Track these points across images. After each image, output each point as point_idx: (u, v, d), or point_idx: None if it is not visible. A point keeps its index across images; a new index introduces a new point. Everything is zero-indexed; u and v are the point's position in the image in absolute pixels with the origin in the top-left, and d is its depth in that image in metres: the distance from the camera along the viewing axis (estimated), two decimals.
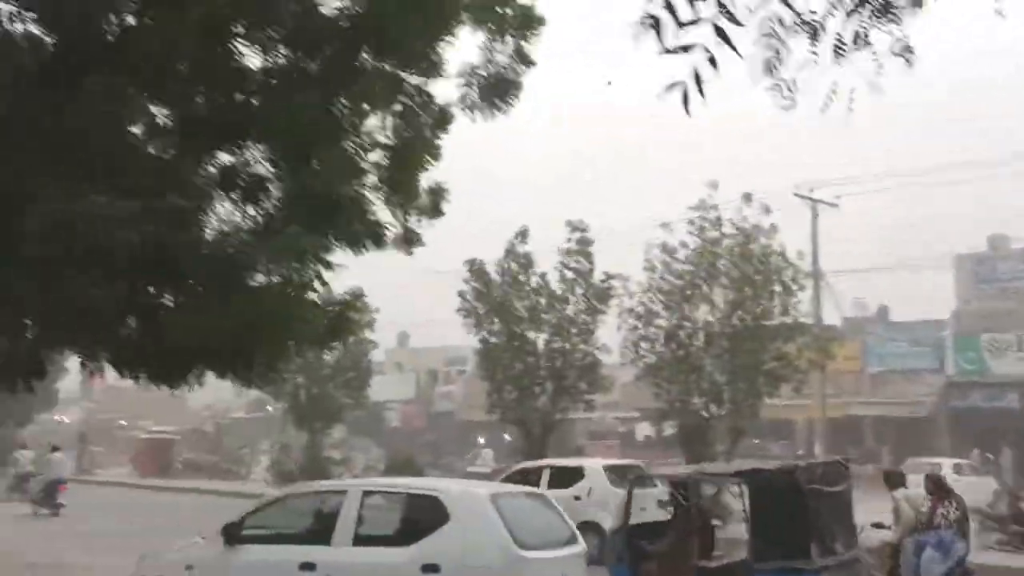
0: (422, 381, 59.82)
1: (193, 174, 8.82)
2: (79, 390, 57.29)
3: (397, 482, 10.79)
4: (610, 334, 27.32)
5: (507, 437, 40.47)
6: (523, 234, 27.82)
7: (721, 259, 24.88)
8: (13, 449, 33.55)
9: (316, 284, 8.60)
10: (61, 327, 7.79)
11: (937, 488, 11.63)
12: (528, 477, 17.68)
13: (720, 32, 3.64)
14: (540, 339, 27.62)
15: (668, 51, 3.64)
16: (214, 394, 47.41)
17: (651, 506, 14.62)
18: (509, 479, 18.05)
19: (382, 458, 42.43)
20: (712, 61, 3.64)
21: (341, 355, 32.31)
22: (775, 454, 35.24)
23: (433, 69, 8.92)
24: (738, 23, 3.68)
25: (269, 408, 54.37)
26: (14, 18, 7.83)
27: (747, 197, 25.01)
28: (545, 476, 17.54)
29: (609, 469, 18.05)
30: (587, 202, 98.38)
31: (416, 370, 59.87)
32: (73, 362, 9.17)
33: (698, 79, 3.67)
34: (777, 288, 24.65)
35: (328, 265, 8.43)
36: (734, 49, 3.68)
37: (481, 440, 47.19)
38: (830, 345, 28.94)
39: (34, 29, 8.00)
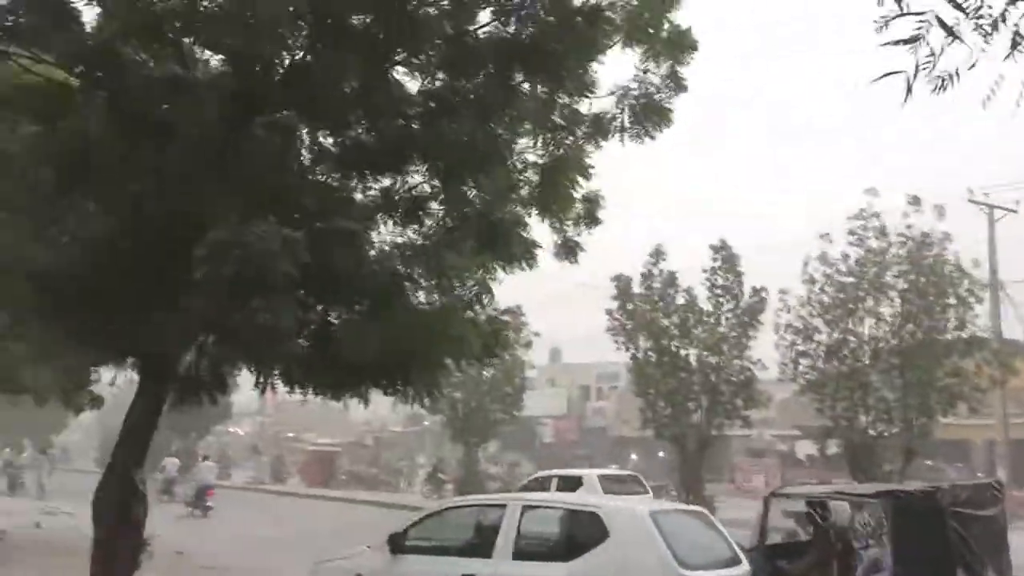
0: (574, 396, 59.87)
1: (356, 197, 9.25)
2: (253, 404, 60.59)
3: (556, 497, 10.80)
4: (766, 349, 26.61)
5: (661, 453, 39.84)
6: (658, 254, 27.75)
7: (888, 270, 23.65)
8: (196, 458, 36.14)
9: (474, 302, 8.80)
10: (238, 345, 8.28)
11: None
12: (544, 484, 21.54)
13: (942, 23, 3.54)
14: (692, 355, 27.19)
15: (894, 43, 3.58)
16: (373, 409, 49.16)
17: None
18: (527, 488, 21.58)
19: (536, 473, 42.62)
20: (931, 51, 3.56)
21: (497, 371, 32.85)
22: (950, 477, 33.02)
23: (585, 88, 8.99)
24: (963, 11, 3.57)
25: (425, 423, 55.83)
26: (199, 60, 8.43)
27: (915, 200, 23.66)
28: (555, 483, 21.30)
29: (603, 478, 22.26)
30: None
31: (568, 385, 60.00)
32: (245, 377, 9.70)
33: (916, 69, 3.58)
34: (951, 300, 23.19)
35: (486, 284, 8.60)
36: (958, 38, 3.56)
37: (634, 456, 46.68)
38: (1012, 360, 26.89)
39: (214, 68, 8.64)
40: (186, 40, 8.33)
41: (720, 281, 26.93)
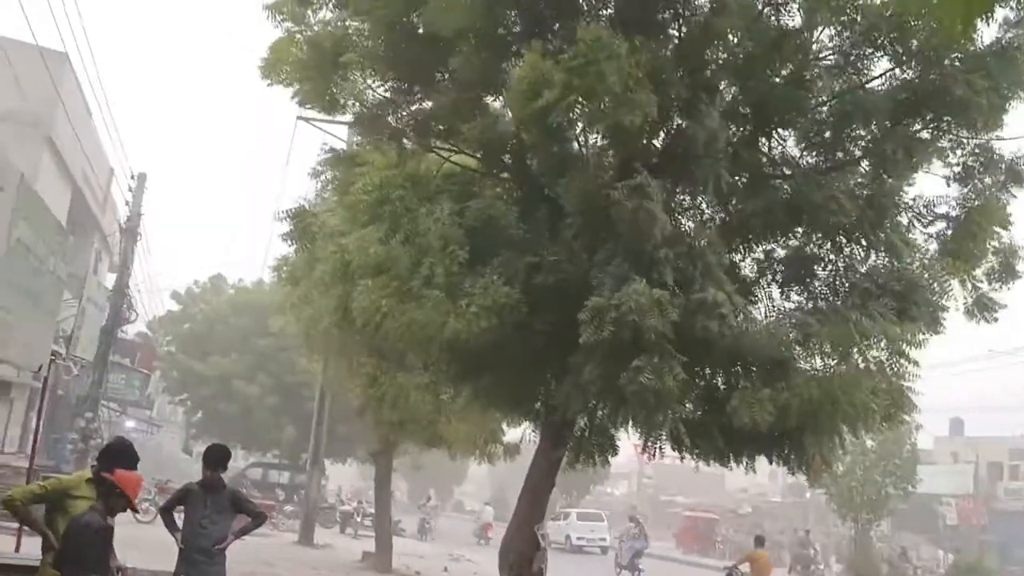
0: (981, 474, 52.98)
1: (734, 261, 9.13)
2: (629, 464, 61.73)
3: None
4: None
5: None
6: None
7: None
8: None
9: (872, 368, 8.19)
10: (628, 409, 8.46)
11: (636, 522, 27.06)
12: (559, 516, 35.41)
13: None
14: None
15: None
16: (750, 476, 47.56)
17: None
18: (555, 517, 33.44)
19: (939, 559, 38.21)
20: None
21: (887, 440, 30.22)
22: None
23: (997, 126, 8.14)
24: None
25: (807, 494, 52.77)
26: (586, 134, 8.92)
27: None
28: (564, 517, 36.24)
29: (579, 514, 37.19)
30: None
31: (974, 462, 53.29)
32: (623, 438, 9.87)
33: None
34: None
35: (887, 348, 7.98)
36: None
37: None
38: None
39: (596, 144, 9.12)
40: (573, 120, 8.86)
41: None
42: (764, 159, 8.92)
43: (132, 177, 25.05)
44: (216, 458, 7.26)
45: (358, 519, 30.14)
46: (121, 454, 5.86)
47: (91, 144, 24.79)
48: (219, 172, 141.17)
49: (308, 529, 23.61)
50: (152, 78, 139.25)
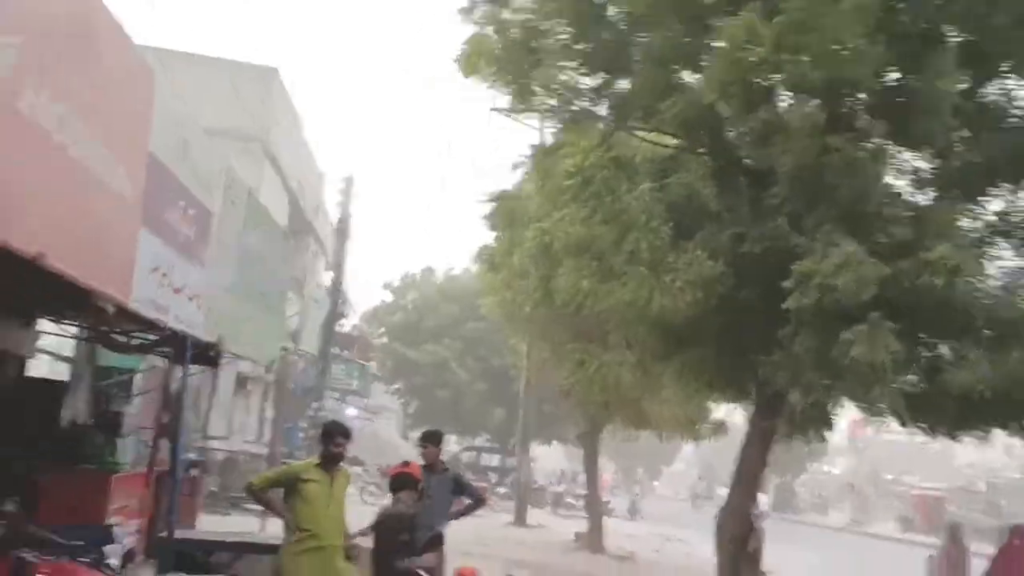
0: None
1: (958, 221, 8.49)
2: (846, 441, 59.05)
3: None
4: None
5: None
6: None
7: None
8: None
9: None
10: (842, 381, 8.09)
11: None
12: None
13: None
14: None
15: None
16: (980, 451, 44.00)
17: None
18: None
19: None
20: None
21: None
22: None
23: None
24: None
25: None
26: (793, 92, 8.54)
27: None
28: None
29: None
30: None
31: None
32: (841, 413, 9.40)
33: None
34: None
35: None
36: None
37: None
38: None
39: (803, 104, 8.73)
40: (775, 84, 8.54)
41: None
42: (986, 109, 8.26)
43: (341, 180, 26.77)
44: (426, 435, 7.99)
45: (569, 500, 30.68)
46: (337, 430, 6.24)
47: (303, 152, 26.61)
48: (420, 168, 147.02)
49: (521, 510, 24.29)
50: (352, 80, 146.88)
